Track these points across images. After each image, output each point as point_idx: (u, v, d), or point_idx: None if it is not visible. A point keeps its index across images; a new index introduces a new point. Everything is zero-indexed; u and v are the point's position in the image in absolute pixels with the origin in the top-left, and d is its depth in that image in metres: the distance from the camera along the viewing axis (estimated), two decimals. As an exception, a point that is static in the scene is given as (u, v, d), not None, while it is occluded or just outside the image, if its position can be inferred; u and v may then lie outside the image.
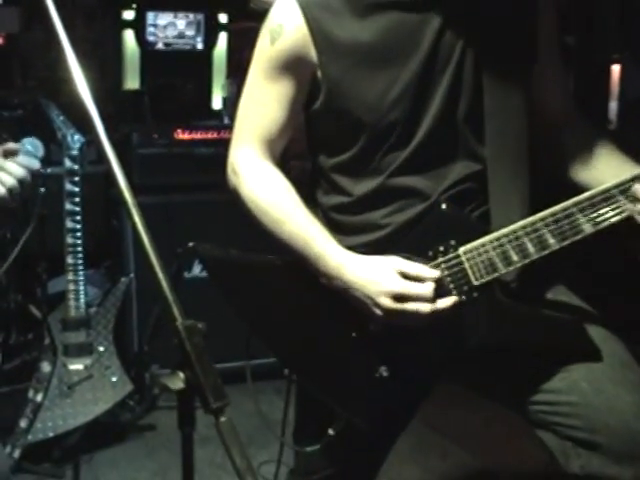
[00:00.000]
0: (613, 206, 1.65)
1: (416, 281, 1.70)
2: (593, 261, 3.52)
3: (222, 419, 1.35)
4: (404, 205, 1.80)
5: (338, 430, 1.84)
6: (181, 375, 1.39)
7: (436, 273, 1.72)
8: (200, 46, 4.50)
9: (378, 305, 1.71)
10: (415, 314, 1.69)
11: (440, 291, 1.71)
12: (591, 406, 1.70)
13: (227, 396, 1.37)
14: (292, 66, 1.81)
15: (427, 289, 1.69)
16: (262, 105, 1.85)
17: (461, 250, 1.73)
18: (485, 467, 2.93)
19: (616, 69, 5.76)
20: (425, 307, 1.69)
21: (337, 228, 1.84)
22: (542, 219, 1.68)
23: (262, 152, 1.87)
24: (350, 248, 1.78)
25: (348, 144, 1.83)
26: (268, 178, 1.85)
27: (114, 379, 3.35)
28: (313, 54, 1.78)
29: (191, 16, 4.49)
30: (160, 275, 1.50)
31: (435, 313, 1.70)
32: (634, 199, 1.64)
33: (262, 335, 1.90)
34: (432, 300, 1.69)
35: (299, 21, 1.78)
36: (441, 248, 1.75)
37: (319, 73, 1.79)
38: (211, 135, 3.90)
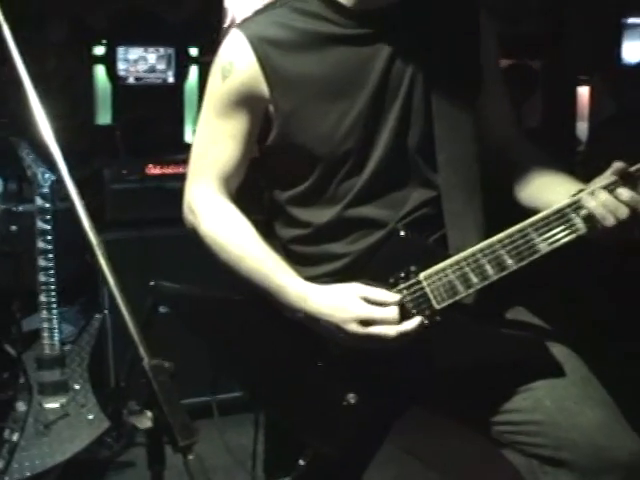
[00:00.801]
0: (567, 225, 1.67)
1: (379, 306, 1.71)
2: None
3: (190, 457, 1.35)
4: (363, 234, 1.82)
5: (308, 460, 1.83)
6: (149, 414, 1.39)
7: (398, 297, 1.72)
8: (171, 80, 4.53)
9: (345, 332, 1.72)
10: (382, 338, 1.70)
11: (404, 315, 1.72)
12: (556, 424, 1.72)
13: (196, 434, 1.37)
14: (245, 102, 1.82)
15: (392, 312, 1.70)
16: (216, 142, 1.86)
17: (422, 275, 1.74)
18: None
19: (586, 91, 5.85)
20: (391, 330, 1.69)
21: (297, 260, 1.84)
22: (499, 241, 1.70)
23: (218, 189, 1.87)
24: (311, 279, 1.78)
25: (302, 177, 1.85)
26: (225, 215, 1.85)
27: (90, 417, 3.33)
28: (265, 89, 1.80)
29: (162, 50, 4.53)
30: (126, 315, 1.50)
31: (401, 336, 1.70)
32: (587, 216, 1.66)
33: (229, 370, 1.90)
34: (397, 323, 1.70)
35: (250, 57, 1.79)
36: (402, 274, 1.75)
37: (271, 108, 1.81)
38: (182, 169, 3.84)
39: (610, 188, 1.65)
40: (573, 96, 4.70)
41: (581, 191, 1.69)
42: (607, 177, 1.68)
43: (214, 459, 2.94)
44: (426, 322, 1.72)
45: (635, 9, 6.25)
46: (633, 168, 1.67)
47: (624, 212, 1.63)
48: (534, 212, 1.72)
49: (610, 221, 1.63)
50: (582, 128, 5.01)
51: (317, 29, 1.79)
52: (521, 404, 1.77)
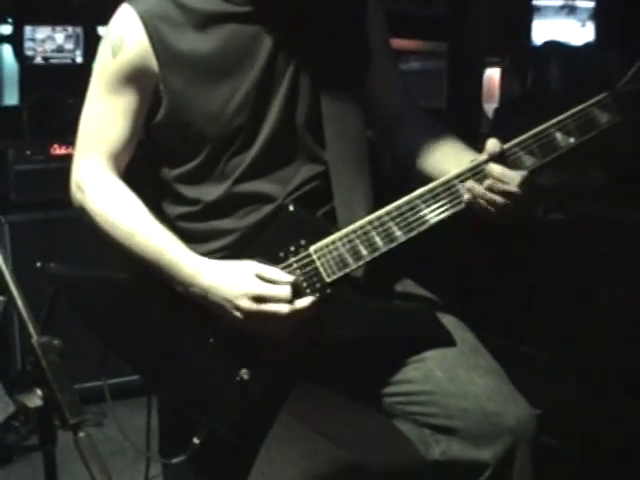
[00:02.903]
0: (454, 196, 1.71)
1: (273, 284, 1.72)
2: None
3: (80, 434, 1.34)
4: (251, 209, 1.82)
5: (202, 438, 1.82)
6: (39, 392, 1.38)
7: (291, 277, 1.73)
8: (79, 60, 4.44)
9: (238, 308, 1.72)
10: (274, 315, 1.71)
11: (297, 294, 1.72)
12: (446, 393, 1.75)
13: (84, 412, 1.36)
14: (134, 79, 1.80)
15: (284, 290, 1.71)
16: (105, 119, 1.83)
17: (312, 249, 1.75)
18: (356, 461, 2.97)
19: (497, 73, 5.95)
20: (284, 307, 1.70)
21: (186, 237, 1.82)
22: (388, 213, 1.72)
23: (107, 166, 1.84)
24: (202, 255, 1.78)
25: (191, 154, 1.84)
26: (115, 192, 1.83)
27: (-4, 401, 3.28)
28: (155, 66, 1.79)
29: (70, 29, 4.44)
30: (14, 292, 1.48)
31: (293, 314, 1.71)
32: (472, 189, 1.70)
33: (119, 351, 1.88)
34: (290, 301, 1.71)
35: (140, 33, 1.77)
36: (292, 248, 1.76)
37: (161, 85, 1.80)
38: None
39: (481, 168, 1.71)
40: (479, 78, 4.76)
41: (472, 161, 1.73)
42: (482, 155, 1.73)
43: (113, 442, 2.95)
44: (317, 295, 1.74)
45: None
46: (505, 146, 1.72)
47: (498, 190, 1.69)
48: (428, 181, 1.75)
49: (486, 199, 1.70)
50: (492, 109, 5.09)
51: (207, 7, 1.79)
52: (413, 375, 1.80)
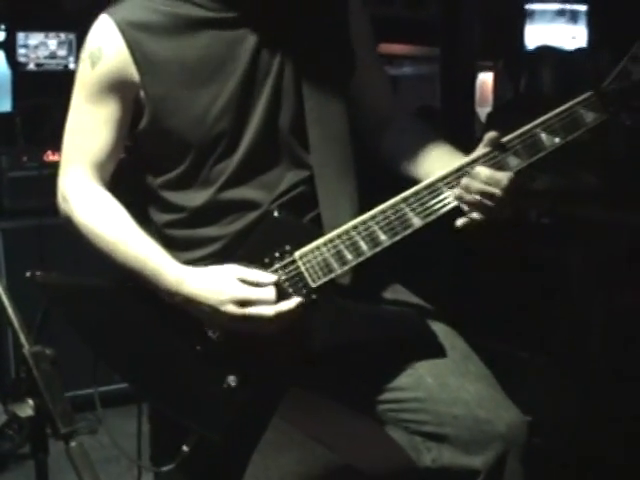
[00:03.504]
0: (438, 198, 1.70)
1: (256, 287, 1.72)
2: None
3: (72, 444, 1.34)
4: (237, 216, 1.81)
5: (191, 446, 1.82)
6: (30, 402, 1.38)
7: (274, 277, 1.73)
8: (72, 66, 4.44)
9: (223, 313, 1.72)
10: (260, 318, 1.71)
11: (281, 296, 1.72)
12: (437, 400, 1.75)
13: (76, 421, 1.36)
14: (115, 88, 1.80)
15: (268, 292, 1.71)
16: (88, 129, 1.84)
17: (296, 254, 1.74)
18: (352, 467, 2.97)
19: (490, 77, 5.97)
20: (268, 310, 1.70)
21: (173, 244, 1.83)
22: (372, 217, 1.72)
23: (92, 176, 1.84)
24: (187, 263, 1.78)
25: (176, 161, 1.83)
26: (99, 202, 1.83)
27: (-11, 409, 3.26)
28: (135, 75, 1.78)
29: (62, 36, 4.44)
30: (6, 301, 1.48)
31: (279, 316, 1.71)
32: (458, 190, 1.70)
33: (108, 359, 1.87)
34: (274, 303, 1.71)
35: (119, 42, 1.77)
36: (277, 254, 1.76)
37: (142, 93, 1.80)
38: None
39: (472, 166, 1.70)
40: (472, 82, 4.77)
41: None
42: (480, 149, 1.72)
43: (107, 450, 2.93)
44: (303, 300, 1.73)
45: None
46: (506, 138, 1.71)
47: (489, 190, 1.68)
48: (415, 184, 1.74)
49: (472, 198, 1.69)
50: (485, 114, 5.10)
51: (186, 13, 1.78)
52: (403, 381, 1.79)
